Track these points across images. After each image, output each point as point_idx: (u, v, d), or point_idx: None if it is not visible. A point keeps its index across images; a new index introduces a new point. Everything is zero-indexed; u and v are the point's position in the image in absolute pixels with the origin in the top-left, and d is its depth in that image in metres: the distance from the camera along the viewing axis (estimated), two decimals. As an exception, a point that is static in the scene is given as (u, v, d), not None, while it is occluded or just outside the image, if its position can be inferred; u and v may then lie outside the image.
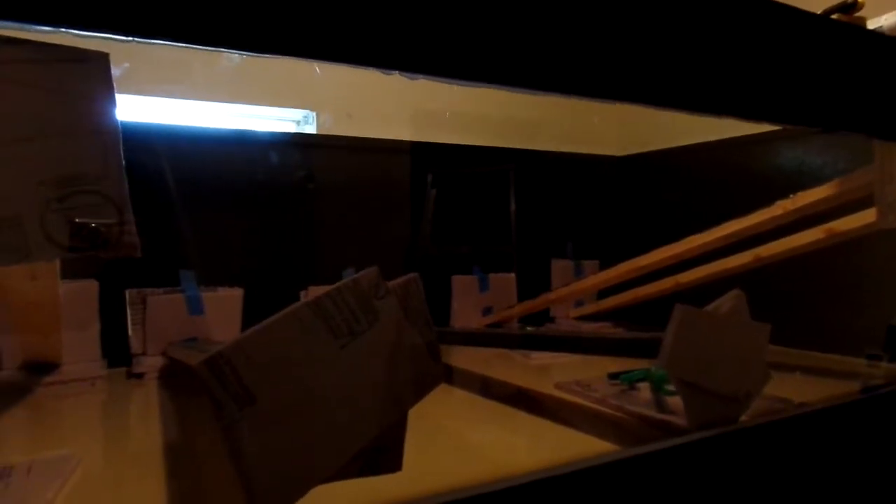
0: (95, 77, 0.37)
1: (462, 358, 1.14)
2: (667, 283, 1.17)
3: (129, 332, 1.04)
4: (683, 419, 0.72)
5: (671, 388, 0.83)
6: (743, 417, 0.64)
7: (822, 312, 1.14)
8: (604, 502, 0.50)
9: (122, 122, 0.40)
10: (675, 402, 0.80)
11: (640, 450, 0.52)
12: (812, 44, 0.61)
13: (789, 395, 0.80)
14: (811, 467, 0.68)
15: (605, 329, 1.36)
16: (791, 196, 0.88)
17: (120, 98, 0.40)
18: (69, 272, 0.96)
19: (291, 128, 1.41)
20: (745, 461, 0.62)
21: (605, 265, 1.43)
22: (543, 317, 1.44)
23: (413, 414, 0.46)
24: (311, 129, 1.38)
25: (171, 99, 1.28)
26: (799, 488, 0.67)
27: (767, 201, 0.95)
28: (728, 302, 0.62)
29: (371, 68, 0.39)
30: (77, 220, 0.37)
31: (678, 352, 0.57)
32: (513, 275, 1.42)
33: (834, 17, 0.68)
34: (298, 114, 1.39)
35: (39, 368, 0.96)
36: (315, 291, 1.24)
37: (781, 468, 0.66)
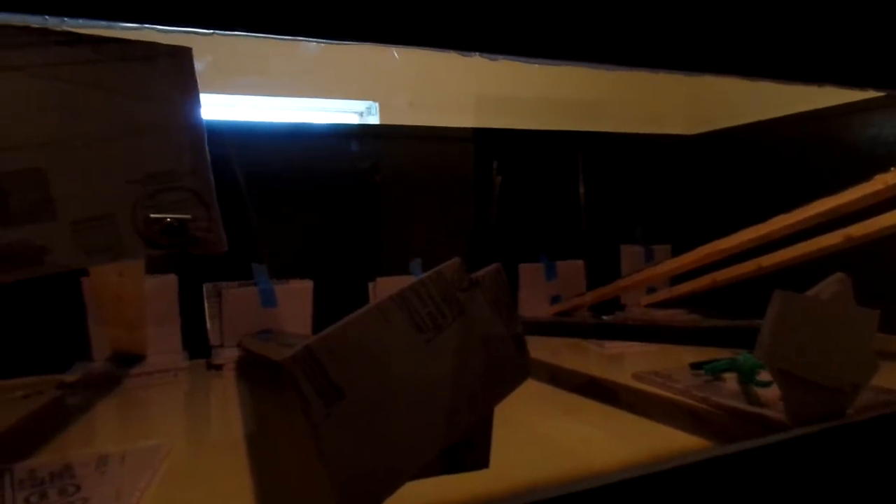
0: (179, 72, 0.37)
1: (532, 348, 1.11)
2: (748, 267, 1.11)
3: (207, 324, 1.07)
4: (777, 412, 0.67)
5: (762, 378, 0.78)
6: (848, 411, 0.59)
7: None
8: (705, 502, 0.47)
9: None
10: (766, 393, 0.76)
11: (739, 447, 0.49)
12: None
13: (894, 387, 0.75)
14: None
15: (679, 316, 1.31)
16: (893, 169, 0.81)
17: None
18: (149, 267, 1.00)
19: (355, 119, 1.41)
20: (851, 458, 0.58)
21: (676, 250, 1.37)
22: (613, 305, 1.39)
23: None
24: (374, 119, 1.38)
25: (234, 95, 1.31)
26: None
27: (859, 177, 0.88)
28: (831, 287, 0.57)
29: (451, 51, 0.38)
30: (166, 217, 0.37)
31: (778, 341, 0.53)
32: (581, 262, 1.38)
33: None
34: (361, 105, 1.39)
35: (126, 360, 1.00)
36: (383, 282, 1.25)
37: (892, 466, 0.61)
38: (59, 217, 0.35)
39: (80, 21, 0.29)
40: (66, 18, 0.29)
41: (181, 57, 0.38)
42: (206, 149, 0.38)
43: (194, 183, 0.38)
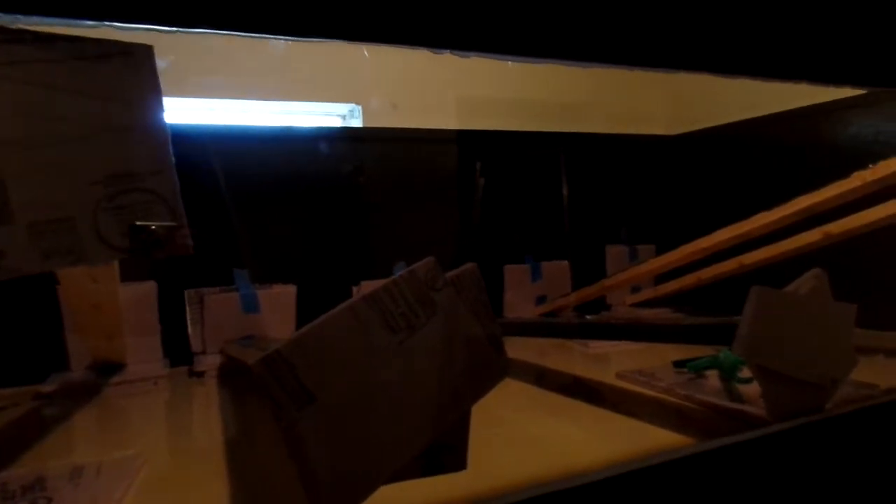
0: (140, 71, 0.36)
1: (517, 348, 1.11)
2: (730, 265, 1.11)
3: (189, 331, 1.06)
4: (759, 408, 0.68)
5: (743, 375, 0.79)
6: (827, 406, 0.59)
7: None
8: (685, 499, 0.47)
9: (170, 125, 0.39)
10: (748, 390, 0.76)
11: (720, 442, 0.49)
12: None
13: (873, 381, 0.75)
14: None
15: (664, 315, 1.31)
16: (871, 166, 0.81)
17: (165, 100, 0.39)
18: (128, 274, 0.98)
19: (337, 122, 1.41)
20: (831, 453, 0.58)
21: (661, 249, 1.37)
22: (599, 305, 1.40)
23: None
24: (357, 122, 1.37)
25: (215, 99, 1.30)
26: (891, 481, 0.62)
27: (838, 175, 0.89)
28: (808, 282, 0.57)
29: (422, 48, 0.37)
30: (129, 219, 0.36)
31: (756, 337, 0.53)
32: (566, 262, 1.38)
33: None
34: (344, 108, 1.39)
35: (106, 369, 0.99)
36: (367, 286, 1.24)
37: (871, 459, 0.61)
38: (15, 220, 0.34)
39: (35, 18, 0.28)
40: (19, 16, 0.28)
41: (142, 55, 0.37)
42: (171, 149, 0.37)
43: (157, 184, 0.37)
